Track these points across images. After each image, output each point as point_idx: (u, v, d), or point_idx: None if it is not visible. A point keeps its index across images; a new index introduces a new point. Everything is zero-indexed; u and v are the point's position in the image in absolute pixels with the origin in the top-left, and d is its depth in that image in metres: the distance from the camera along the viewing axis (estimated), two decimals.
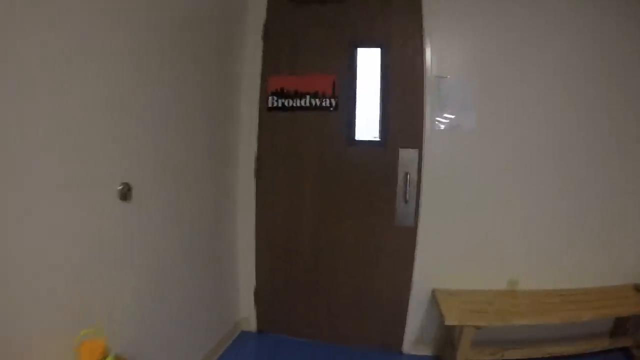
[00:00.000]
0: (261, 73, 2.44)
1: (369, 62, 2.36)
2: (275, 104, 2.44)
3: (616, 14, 2.14)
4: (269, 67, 2.44)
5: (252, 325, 2.61)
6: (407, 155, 2.25)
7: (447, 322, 1.88)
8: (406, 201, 2.25)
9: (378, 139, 2.32)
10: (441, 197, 2.24)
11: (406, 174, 2.25)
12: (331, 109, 2.35)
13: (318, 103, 2.36)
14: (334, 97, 2.34)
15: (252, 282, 2.57)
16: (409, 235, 2.28)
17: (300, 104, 2.39)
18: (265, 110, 2.46)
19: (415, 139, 2.24)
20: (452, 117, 2.21)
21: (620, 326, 2.27)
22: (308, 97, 2.37)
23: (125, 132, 1.48)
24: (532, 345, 2.19)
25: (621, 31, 2.15)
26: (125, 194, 1.48)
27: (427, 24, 2.20)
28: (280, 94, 2.43)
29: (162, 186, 1.73)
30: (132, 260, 1.56)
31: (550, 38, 2.16)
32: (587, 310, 2.02)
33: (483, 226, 2.26)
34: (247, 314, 2.61)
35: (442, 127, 2.22)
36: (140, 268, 1.61)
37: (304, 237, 2.45)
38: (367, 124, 2.34)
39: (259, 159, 2.47)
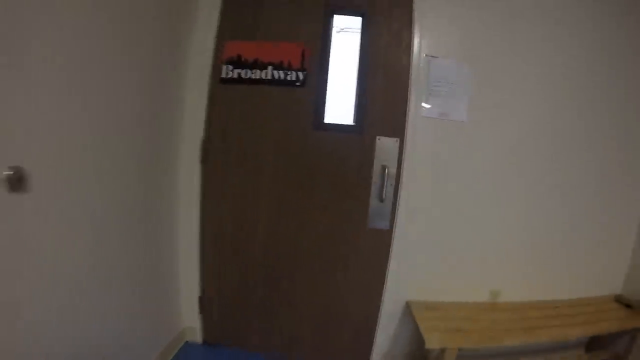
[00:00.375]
0: (216, 38, 1.99)
1: (347, 32, 1.98)
2: (230, 75, 2.00)
3: (617, 5, 1.93)
4: (227, 32, 1.99)
5: (198, 336, 2.23)
6: (385, 145, 1.91)
7: (429, 345, 1.59)
8: (382, 199, 1.92)
9: (352, 124, 1.96)
10: (422, 197, 1.93)
11: (384, 167, 1.91)
12: (298, 84, 1.94)
13: (282, 76, 1.94)
14: (303, 70, 1.93)
15: (196, 287, 2.16)
16: (383, 240, 1.96)
17: (260, 75, 1.96)
18: (218, 82, 2.01)
19: (396, 127, 1.90)
20: (440, 104, 1.90)
21: (596, 339, 2.13)
22: (270, 68, 1.95)
23: (18, 99, 1.03)
24: (508, 357, 2.02)
25: (624, 24, 1.94)
26: (16, 183, 1.05)
27: None
28: (237, 62, 1.99)
29: (75, 174, 1.29)
30: (33, 269, 1.15)
31: (554, 29, 1.91)
32: (575, 326, 1.83)
33: (465, 232, 1.99)
34: (192, 322, 2.21)
35: (429, 115, 1.89)
36: (50, 275, 1.23)
37: (258, 236, 2.06)
38: (340, 105, 1.97)
39: (206, 141, 2.03)
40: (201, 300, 2.17)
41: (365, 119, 1.93)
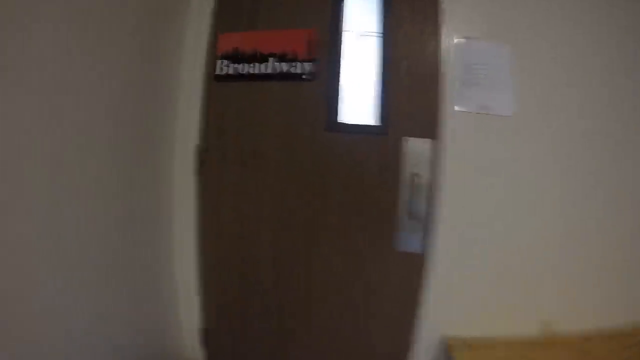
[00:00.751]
0: (210, 31, 1.75)
1: (362, 15, 1.65)
2: (225, 71, 1.71)
3: None
4: (222, 23, 1.74)
5: None
6: (416, 148, 1.56)
7: None
8: (413, 216, 1.57)
9: (373, 123, 1.62)
10: (463, 211, 1.58)
11: (414, 175, 1.56)
12: (304, 76, 1.62)
13: (286, 69, 1.63)
14: (310, 61, 1.61)
15: (196, 317, 1.89)
16: (415, 265, 1.60)
17: (260, 69, 1.65)
18: (213, 80, 1.73)
19: (428, 126, 1.55)
20: (479, 95, 1.56)
21: None
22: (272, 60, 1.64)
23: None
24: None
25: None
26: None
27: None
28: (234, 56, 1.71)
29: (55, 184, 1.15)
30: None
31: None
32: None
33: (511, 249, 1.62)
34: (193, 355, 1.93)
35: (466, 109, 1.55)
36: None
37: (263, 260, 1.75)
38: (358, 101, 1.63)
39: (201, 149, 1.75)
40: (203, 331, 1.89)
41: (389, 116, 1.59)
